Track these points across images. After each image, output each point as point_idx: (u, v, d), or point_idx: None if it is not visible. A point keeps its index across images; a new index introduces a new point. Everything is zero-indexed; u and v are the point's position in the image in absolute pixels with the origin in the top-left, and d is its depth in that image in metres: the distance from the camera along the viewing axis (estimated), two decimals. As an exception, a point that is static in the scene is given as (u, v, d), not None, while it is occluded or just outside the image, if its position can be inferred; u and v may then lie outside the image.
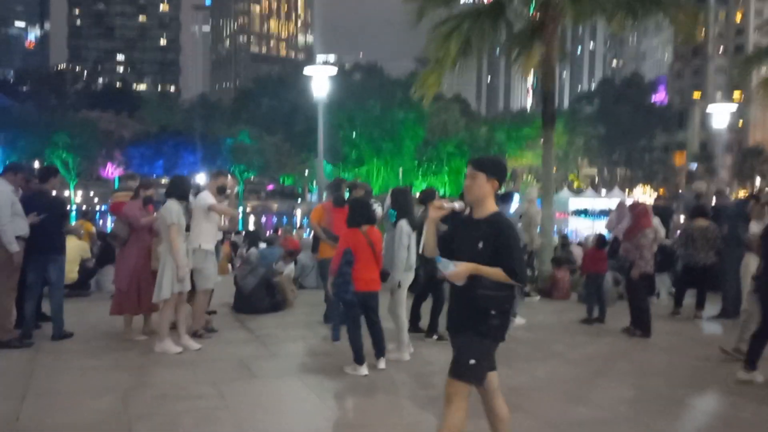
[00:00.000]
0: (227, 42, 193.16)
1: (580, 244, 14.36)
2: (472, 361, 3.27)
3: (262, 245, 12.18)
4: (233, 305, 8.60)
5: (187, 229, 6.52)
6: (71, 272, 8.74)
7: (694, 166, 71.04)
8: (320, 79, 15.36)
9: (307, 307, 8.73)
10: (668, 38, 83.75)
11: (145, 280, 6.72)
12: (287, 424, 4.66)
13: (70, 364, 5.88)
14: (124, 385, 5.28)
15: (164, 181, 51.58)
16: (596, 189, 75.50)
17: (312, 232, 8.90)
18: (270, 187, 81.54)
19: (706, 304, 8.79)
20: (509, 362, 6.12)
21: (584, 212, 61.65)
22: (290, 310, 8.73)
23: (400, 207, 6.51)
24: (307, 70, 16.56)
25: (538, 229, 10.44)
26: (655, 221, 8.59)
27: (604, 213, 55.24)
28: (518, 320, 8.03)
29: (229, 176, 7.73)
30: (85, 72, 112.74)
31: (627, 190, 73.79)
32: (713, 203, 10.14)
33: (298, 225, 36.47)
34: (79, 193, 68.63)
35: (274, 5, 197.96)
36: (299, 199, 76.29)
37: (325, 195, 9.24)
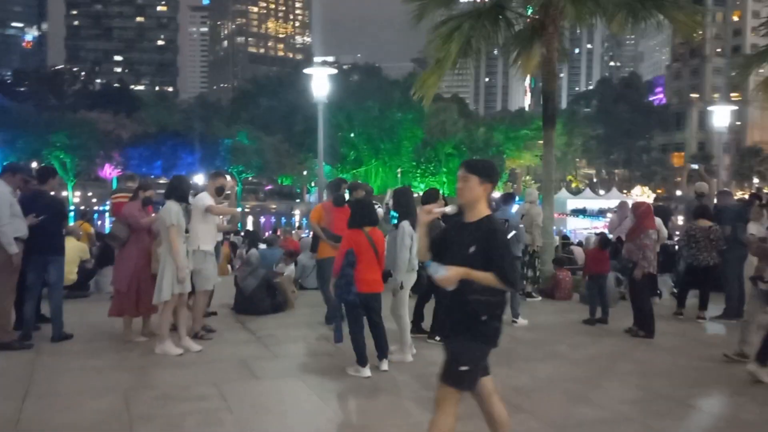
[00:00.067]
0: (225, 42, 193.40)
1: (579, 244, 14.37)
2: (465, 368, 3.19)
3: (262, 246, 12.16)
4: (234, 306, 8.57)
5: (187, 231, 6.49)
6: (70, 273, 8.68)
7: (695, 166, 71.02)
8: (320, 79, 15.31)
9: (308, 308, 8.71)
10: (666, 39, 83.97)
11: (144, 281, 6.68)
12: (289, 425, 4.65)
13: (71, 365, 5.86)
14: (124, 385, 5.26)
15: (162, 181, 51.62)
16: (594, 189, 75.54)
17: (311, 232, 8.87)
18: (268, 187, 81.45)
19: (709, 305, 8.77)
20: (510, 362, 6.12)
21: (582, 212, 61.70)
22: (291, 311, 8.71)
23: (403, 208, 6.49)
24: (307, 71, 16.52)
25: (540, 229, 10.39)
26: (657, 221, 8.57)
27: (602, 213, 55.39)
28: (521, 321, 8.03)
29: (228, 177, 7.70)
30: (83, 72, 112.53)
31: (625, 190, 73.81)
32: (714, 203, 10.12)
33: (297, 225, 36.47)
34: (78, 193, 68.50)
35: (272, 6, 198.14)
36: (298, 200, 76.19)
37: (325, 195, 9.21)
